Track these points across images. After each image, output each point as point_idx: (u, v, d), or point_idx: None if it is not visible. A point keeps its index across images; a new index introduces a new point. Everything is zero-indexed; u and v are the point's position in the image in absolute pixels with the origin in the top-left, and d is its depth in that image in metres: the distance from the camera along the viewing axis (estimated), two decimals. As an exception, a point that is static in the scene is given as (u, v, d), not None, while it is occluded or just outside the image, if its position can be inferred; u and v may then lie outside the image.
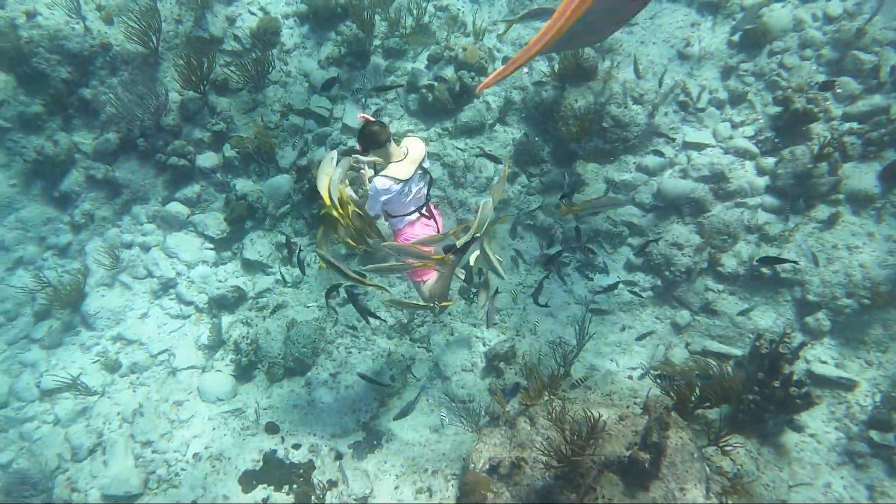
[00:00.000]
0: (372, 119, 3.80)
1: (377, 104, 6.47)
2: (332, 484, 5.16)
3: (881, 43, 5.08)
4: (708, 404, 4.14)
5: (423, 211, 4.02)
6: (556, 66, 5.88)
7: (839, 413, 4.12)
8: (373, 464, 5.25)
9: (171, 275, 6.14)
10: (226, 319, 6.00)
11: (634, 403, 5.10)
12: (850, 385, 4.30)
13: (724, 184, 5.15)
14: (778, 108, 4.98)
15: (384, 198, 3.76)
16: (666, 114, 5.61)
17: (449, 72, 6.25)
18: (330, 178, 3.59)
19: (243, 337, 5.84)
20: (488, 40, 6.48)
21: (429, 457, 5.19)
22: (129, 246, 6.23)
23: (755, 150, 5.16)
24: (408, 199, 3.91)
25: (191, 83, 6.04)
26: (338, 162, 3.60)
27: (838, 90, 4.78)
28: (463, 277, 4.92)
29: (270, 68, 6.33)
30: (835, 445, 4.08)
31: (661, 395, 4.55)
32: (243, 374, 5.75)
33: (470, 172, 6.18)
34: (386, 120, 6.35)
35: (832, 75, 4.94)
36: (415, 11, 6.34)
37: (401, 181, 3.76)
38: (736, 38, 5.37)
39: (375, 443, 5.37)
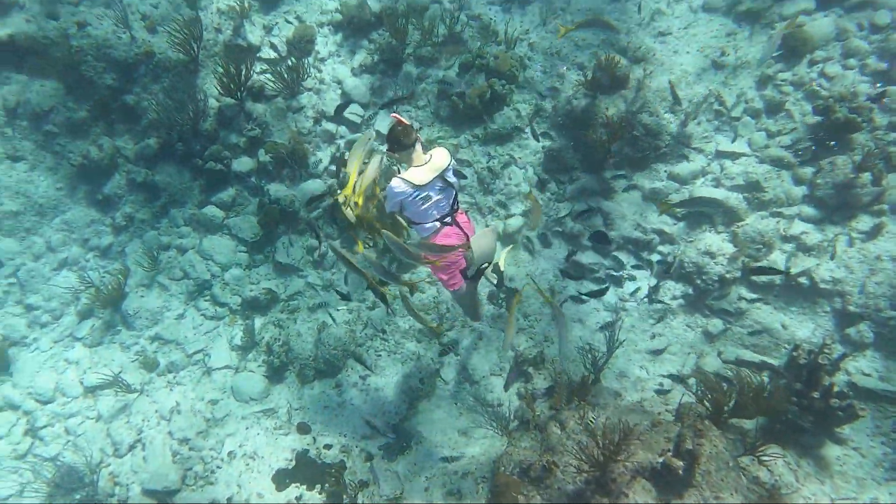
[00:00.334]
0: (404, 121, 3.89)
1: (406, 110, 6.58)
2: (364, 484, 5.26)
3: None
4: (743, 414, 4.14)
5: (447, 220, 4.01)
6: (589, 75, 5.93)
7: (885, 428, 4.07)
8: (402, 465, 5.35)
9: (207, 276, 6.31)
10: (258, 321, 6.15)
11: (666, 410, 5.11)
12: (896, 399, 4.24)
13: (759, 193, 5.14)
14: (818, 118, 4.97)
15: (398, 199, 3.87)
16: (699, 123, 5.62)
17: (480, 80, 6.33)
18: (360, 161, 3.80)
19: (275, 339, 5.97)
20: (520, 48, 6.54)
21: (458, 459, 5.26)
22: (167, 248, 6.42)
23: (792, 159, 5.14)
24: (425, 207, 3.92)
25: (228, 90, 6.21)
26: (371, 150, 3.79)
27: (884, 100, 4.73)
28: (494, 282, 5.00)
29: (305, 75, 6.48)
30: (881, 460, 4.02)
31: (695, 403, 4.56)
32: (275, 374, 5.88)
33: (499, 179, 6.25)
34: (416, 126, 6.46)
35: (877, 85, 4.90)
36: (447, 21, 6.43)
37: (415, 186, 3.81)
38: (784, 29, 5.29)
39: (405, 444, 5.46)
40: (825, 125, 4.84)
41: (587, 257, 5.85)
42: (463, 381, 5.74)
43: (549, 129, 6.31)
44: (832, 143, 4.86)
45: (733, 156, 5.44)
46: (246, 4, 6.43)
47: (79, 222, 6.46)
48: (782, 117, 5.28)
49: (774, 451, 3.90)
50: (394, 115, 4.04)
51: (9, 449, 5.55)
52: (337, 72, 6.70)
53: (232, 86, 6.20)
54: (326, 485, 5.21)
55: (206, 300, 6.31)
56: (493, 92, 6.25)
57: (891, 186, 4.63)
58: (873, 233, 4.71)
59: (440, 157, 3.90)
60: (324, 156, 6.55)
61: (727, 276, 5.09)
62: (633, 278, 5.72)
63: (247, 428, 5.64)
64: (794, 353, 4.20)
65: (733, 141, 5.51)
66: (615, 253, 5.80)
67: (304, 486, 5.27)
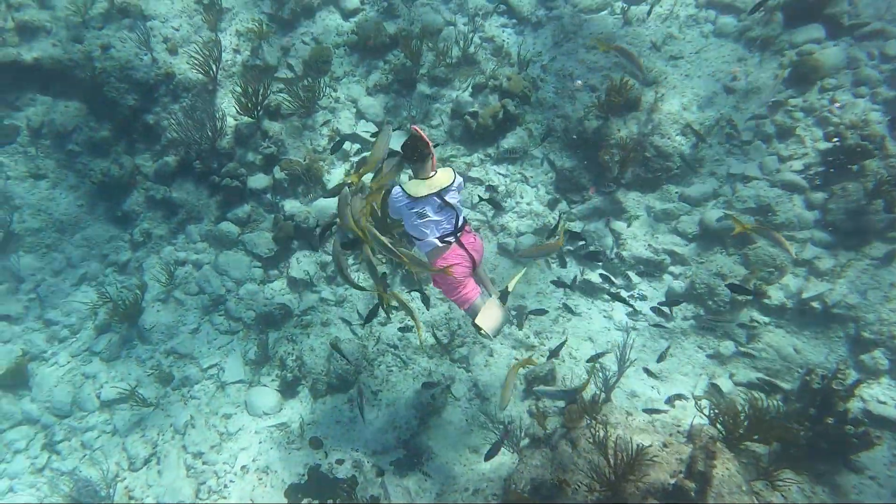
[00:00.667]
0: (423, 135, 3.97)
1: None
2: (375, 500, 5.30)
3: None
4: (757, 437, 4.16)
5: (448, 239, 3.99)
6: (601, 97, 6.02)
7: (903, 457, 4.08)
8: (414, 481, 5.38)
9: (222, 291, 6.40)
10: (272, 336, 6.23)
11: (678, 431, 5.13)
12: (913, 428, 4.23)
13: (771, 216, 5.20)
14: (829, 144, 5.04)
15: (396, 207, 4.02)
16: (710, 146, 5.69)
17: (493, 100, 6.44)
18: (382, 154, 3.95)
19: (288, 353, 6.05)
20: (532, 70, 6.65)
21: (469, 476, 5.29)
22: (183, 263, 6.53)
23: (804, 183, 5.21)
24: (420, 223, 3.95)
25: (246, 109, 6.35)
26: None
27: None
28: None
29: (321, 95, 6.61)
30: (901, 491, 4.00)
31: (707, 424, 4.59)
32: (288, 389, 5.95)
33: (511, 198, 6.33)
34: (434, 143, 6.55)
35: (888, 114, 4.97)
36: (461, 43, 6.55)
37: (410, 197, 3.88)
38: (785, 73, 5.44)
39: (416, 460, 5.50)
40: (836, 151, 4.90)
41: (598, 277, 5.91)
42: (474, 397, 5.78)
43: (561, 149, 6.40)
44: (853, 166, 4.85)
45: (745, 179, 5.51)
46: (264, 27, 6.58)
47: (98, 238, 6.59)
48: (793, 142, 5.35)
49: (789, 477, 3.92)
50: (414, 126, 4.13)
51: (27, 463, 5.64)
52: (352, 91, 6.83)
53: (249, 105, 6.34)
54: (338, 500, 5.25)
55: (220, 315, 6.39)
56: (506, 112, 6.36)
57: (904, 213, 4.67)
58: (887, 259, 4.75)
59: (442, 176, 3.94)
60: (338, 173, 6.66)
61: (738, 298, 5.13)
62: (643, 297, 5.77)
63: (260, 442, 5.69)
64: (808, 378, 4.22)
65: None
66: (626, 272, 5.87)
67: (317, 501, 5.31)
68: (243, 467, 5.51)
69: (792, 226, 5.17)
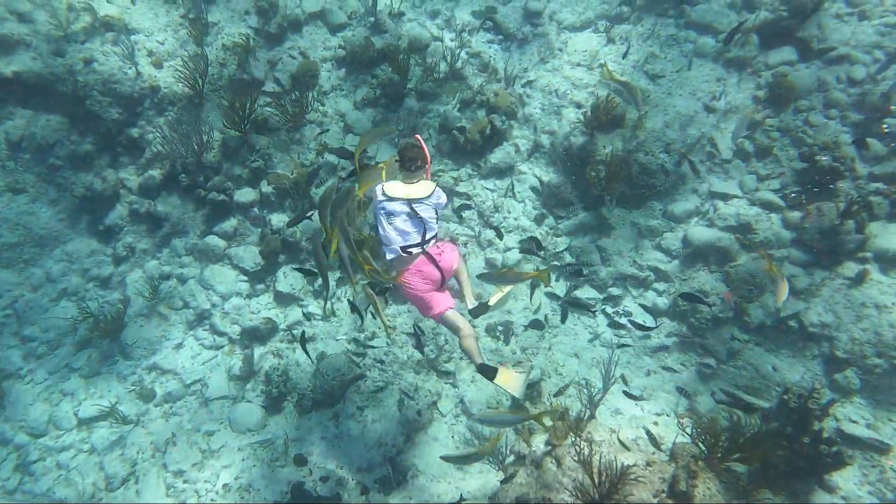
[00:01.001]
0: (423, 146, 4.03)
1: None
2: (359, 518, 5.25)
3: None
4: (737, 457, 4.21)
5: (410, 250, 3.95)
6: (587, 114, 6.09)
7: (872, 477, 4.16)
8: (398, 499, 5.34)
9: (207, 306, 6.33)
10: (258, 351, 6.17)
11: (660, 450, 5.17)
12: (883, 448, 4.31)
13: (751, 234, 5.29)
14: (804, 164, 5.14)
15: (373, 204, 4.05)
16: (692, 163, 5.79)
17: (480, 115, 6.49)
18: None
19: (274, 368, 5.99)
20: (518, 86, 6.72)
21: (454, 494, 5.27)
22: (168, 277, 6.45)
23: (781, 203, 5.31)
24: (388, 226, 3.94)
25: (233, 122, 6.32)
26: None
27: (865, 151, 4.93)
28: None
29: (309, 109, 6.60)
30: (869, 511, 4.06)
31: (689, 443, 4.63)
32: (273, 405, 5.88)
33: (499, 213, 6.37)
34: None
35: (857, 136, 5.10)
36: (448, 58, 6.60)
37: (384, 195, 3.93)
38: (761, 93, 5.57)
39: (401, 478, 5.46)
40: (810, 171, 5.02)
41: (584, 292, 5.96)
42: (461, 413, 5.77)
43: (548, 164, 6.46)
44: (815, 189, 4.98)
45: (725, 197, 5.61)
46: (251, 41, 6.57)
47: (79, 253, 6.49)
48: (771, 161, 5.47)
49: (767, 497, 3.97)
50: (417, 136, 4.21)
51: (-1, 487, 5.51)
52: (340, 105, 6.83)
53: (236, 118, 6.31)
54: (321, 519, 5.19)
55: (205, 329, 6.32)
56: (493, 127, 6.41)
57: (873, 235, 4.79)
58: (858, 279, 4.86)
59: (420, 187, 3.96)
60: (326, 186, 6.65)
61: (720, 315, 5.21)
62: (628, 313, 5.82)
63: (243, 459, 5.62)
64: (785, 397, 4.29)
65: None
66: (610, 289, 5.92)
67: (299, 521, 5.25)
68: (225, 485, 5.43)
69: (770, 244, 5.27)
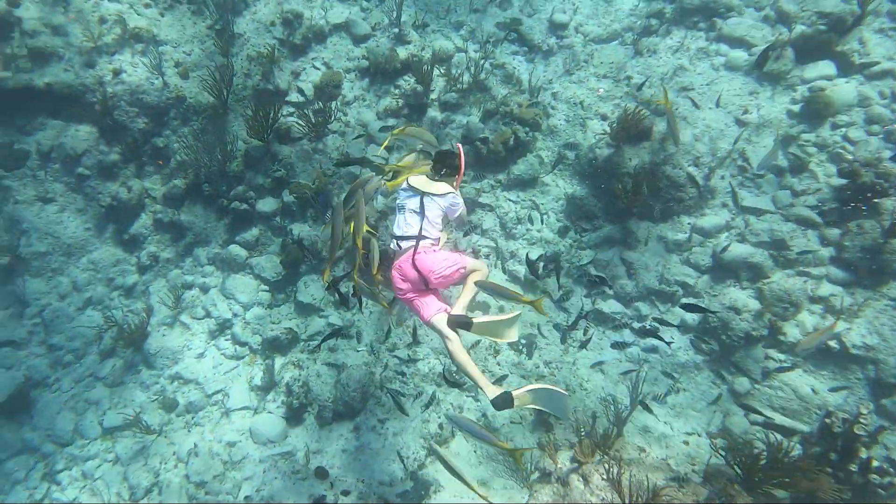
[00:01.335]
0: (461, 155, 4.09)
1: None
2: (382, 534, 5.18)
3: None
4: (776, 481, 4.07)
5: (402, 243, 3.88)
6: (613, 126, 6.01)
7: (926, 510, 4.00)
8: (421, 516, 5.26)
9: (228, 315, 6.33)
10: (278, 361, 6.15)
11: (693, 470, 5.04)
12: (936, 478, 4.13)
13: (785, 251, 5.16)
14: (843, 180, 5.02)
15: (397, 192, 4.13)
16: (723, 177, 5.67)
17: (504, 126, 6.43)
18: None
19: (295, 379, 5.96)
20: (543, 97, 6.66)
21: (478, 511, 5.18)
22: (190, 287, 6.47)
23: (818, 219, 5.18)
24: (400, 216, 3.98)
25: (256, 132, 6.34)
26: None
27: None
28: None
29: (332, 119, 6.61)
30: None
31: (724, 465, 4.49)
32: (294, 416, 5.85)
33: (521, 224, 6.30)
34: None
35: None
36: (472, 69, 6.57)
37: (406, 185, 4.02)
38: (797, 108, 5.45)
39: (423, 493, 5.38)
40: (850, 188, 4.88)
41: (609, 306, 5.85)
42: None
43: (572, 176, 6.38)
44: (861, 206, 4.81)
45: (758, 212, 5.48)
46: (275, 52, 6.60)
47: (105, 262, 6.54)
48: (807, 177, 5.33)
49: (810, 526, 3.82)
50: (458, 144, 4.27)
51: (25, 495, 5.53)
52: (362, 115, 6.83)
53: (259, 128, 6.33)
54: (344, 535, 5.13)
55: (226, 339, 6.31)
56: (517, 138, 6.35)
57: (921, 254, 4.62)
58: (905, 300, 4.68)
59: (439, 186, 3.98)
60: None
61: (753, 333, 5.08)
62: (655, 329, 5.70)
63: (264, 472, 5.58)
64: (828, 421, 4.15)
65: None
66: (637, 303, 5.81)
67: (321, 536, 5.20)
68: (246, 498, 5.40)
69: (807, 262, 5.13)
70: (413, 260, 3.80)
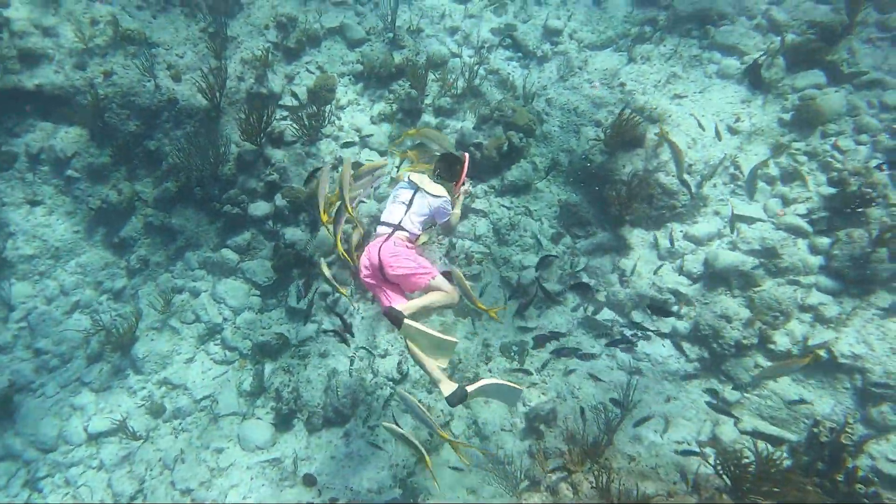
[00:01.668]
0: (465, 162, 4.20)
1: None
2: (370, 543, 5.13)
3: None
4: (765, 489, 4.05)
5: (382, 228, 3.99)
6: (607, 132, 6.02)
7: (913, 522, 3.99)
8: (409, 524, 5.21)
9: (218, 320, 6.27)
10: (268, 366, 6.09)
11: (681, 480, 5.01)
12: (921, 488, 4.13)
13: (776, 259, 5.17)
14: (832, 189, 5.04)
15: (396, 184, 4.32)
16: (715, 185, 5.69)
17: (498, 132, 6.44)
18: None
19: (285, 385, 5.91)
20: (537, 103, 6.66)
21: (467, 520, 5.13)
22: (180, 291, 6.41)
23: (808, 228, 5.19)
24: (391, 204, 4.11)
25: (249, 135, 6.30)
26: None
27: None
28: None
29: (325, 123, 6.58)
30: (911, 559, 3.87)
31: (712, 474, 4.48)
32: (283, 422, 5.79)
33: (514, 230, 6.28)
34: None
35: (888, 160, 4.98)
36: (466, 74, 6.57)
37: (408, 179, 4.13)
38: (787, 116, 5.48)
39: (412, 501, 5.33)
40: (839, 197, 4.90)
41: (603, 314, 5.84)
42: (473, 435, 5.65)
43: (565, 183, 6.38)
44: (855, 212, 4.83)
45: (749, 220, 5.49)
46: (269, 55, 6.58)
47: (93, 265, 6.46)
48: (797, 185, 5.35)
49: (798, 536, 3.81)
50: (465, 154, 4.39)
51: (5, 503, 5.43)
52: (356, 120, 6.81)
53: (252, 131, 6.29)
54: (331, 543, 5.07)
55: (216, 344, 6.25)
56: (511, 144, 6.35)
57: (909, 263, 4.64)
58: (893, 310, 4.71)
59: (437, 187, 4.08)
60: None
61: (744, 341, 5.07)
62: (647, 337, 5.69)
63: (251, 479, 5.52)
64: (815, 430, 4.14)
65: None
66: (632, 312, 5.79)
67: (308, 544, 5.14)
68: (234, 506, 5.34)
69: (797, 270, 5.14)
70: (380, 247, 3.85)
